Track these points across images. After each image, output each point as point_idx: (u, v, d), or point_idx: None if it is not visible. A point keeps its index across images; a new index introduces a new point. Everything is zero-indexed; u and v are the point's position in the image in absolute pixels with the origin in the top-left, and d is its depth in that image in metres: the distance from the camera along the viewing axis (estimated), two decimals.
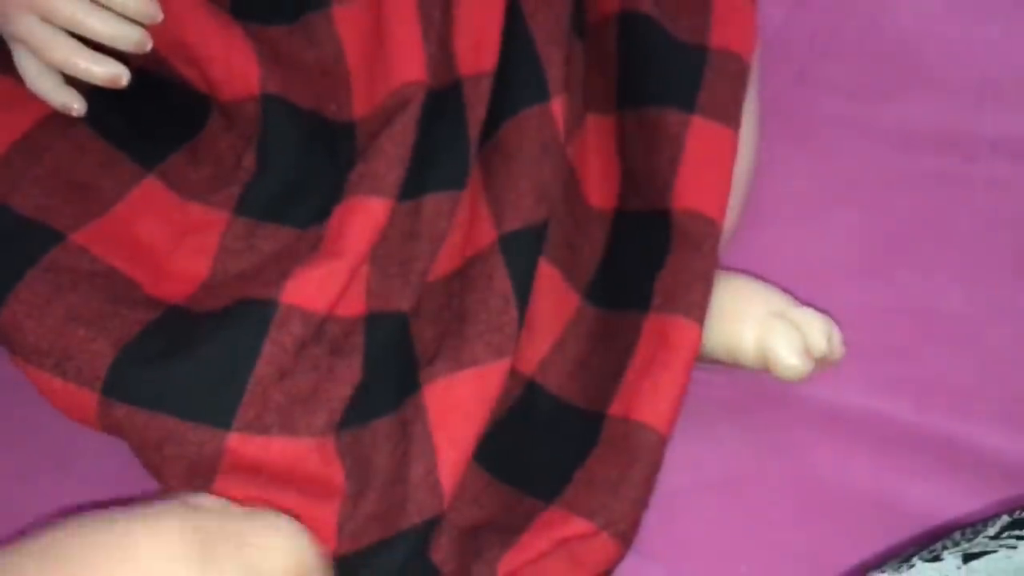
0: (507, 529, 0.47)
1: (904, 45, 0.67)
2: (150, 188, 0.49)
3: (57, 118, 0.49)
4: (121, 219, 0.48)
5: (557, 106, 0.51)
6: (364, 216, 0.47)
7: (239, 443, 0.43)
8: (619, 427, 0.48)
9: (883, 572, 0.42)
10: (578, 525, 0.46)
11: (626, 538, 0.47)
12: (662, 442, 0.48)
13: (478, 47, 0.50)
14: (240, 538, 0.43)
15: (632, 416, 0.48)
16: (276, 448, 0.44)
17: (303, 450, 0.44)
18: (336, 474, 0.44)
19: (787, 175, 0.62)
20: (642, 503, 0.47)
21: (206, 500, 0.44)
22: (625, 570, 0.48)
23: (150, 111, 0.51)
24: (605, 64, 0.55)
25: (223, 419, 0.43)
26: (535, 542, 0.46)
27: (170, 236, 0.48)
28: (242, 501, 0.44)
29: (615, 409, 0.49)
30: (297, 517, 0.44)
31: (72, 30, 0.47)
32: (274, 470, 0.44)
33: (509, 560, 0.46)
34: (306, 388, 0.45)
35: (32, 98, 0.49)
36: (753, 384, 0.54)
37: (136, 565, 0.41)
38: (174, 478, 0.43)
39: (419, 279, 0.48)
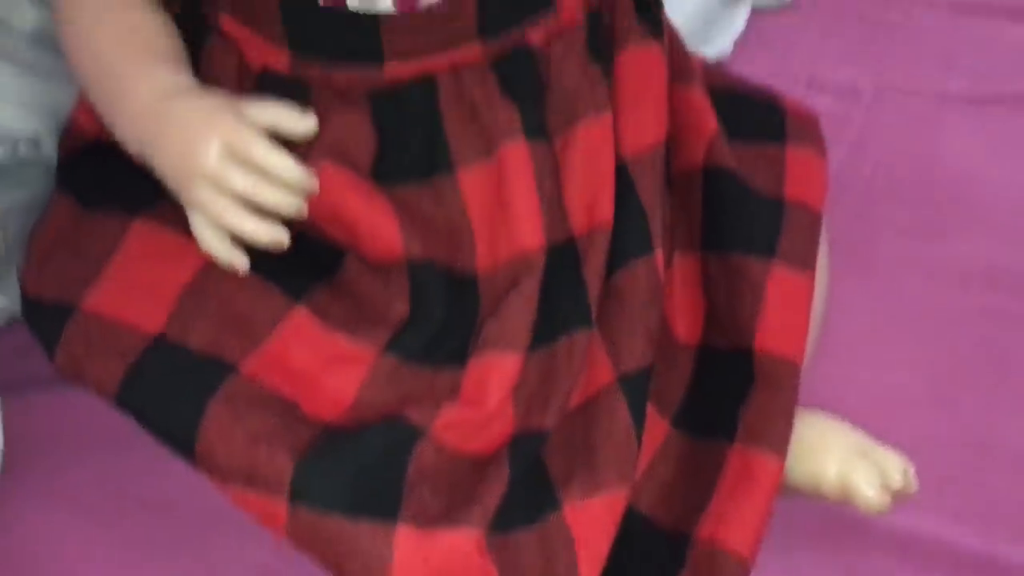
0: None
1: (955, 186, 0.73)
2: (299, 316, 0.54)
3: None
4: (277, 346, 0.53)
5: (659, 256, 0.56)
6: (500, 371, 0.52)
7: (406, 537, 0.48)
8: (705, 552, 0.53)
9: None
10: None
11: None
12: (746, 568, 0.52)
13: (591, 205, 0.56)
14: None
15: (718, 542, 0.53)
16: (441, 541, 0.48)
17: (466, 542, 0.48)
18: (492, 571, 0.49)
19: (850, 310, 0.67)
20: None
21: None
22: None
23: (292, 250, 0.55)
24: (691, 208, 0.61)
25: (389, 514, 0.48)
26: None
27: (320, 361, 0.53)
28: None
29: (702, 533, 0.54)
30: None
31: (243, 199, 0.52)
32: (438, 566, 0.48)
33: None
34: (459, 491, 0.50)
35: (193, 247, 0.54)
36: (830, 513, 0.58)
37: None
38: None
39: (561, 404, 0.54)
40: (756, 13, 0.92)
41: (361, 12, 0.53)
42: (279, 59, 0.55)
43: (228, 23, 0.55)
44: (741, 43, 0.87)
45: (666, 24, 0.62)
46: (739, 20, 0.90)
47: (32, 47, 0.59)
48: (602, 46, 0.58)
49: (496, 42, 0.55)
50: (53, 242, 0.58)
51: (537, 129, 0.55)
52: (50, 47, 0.60)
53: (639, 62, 0.59)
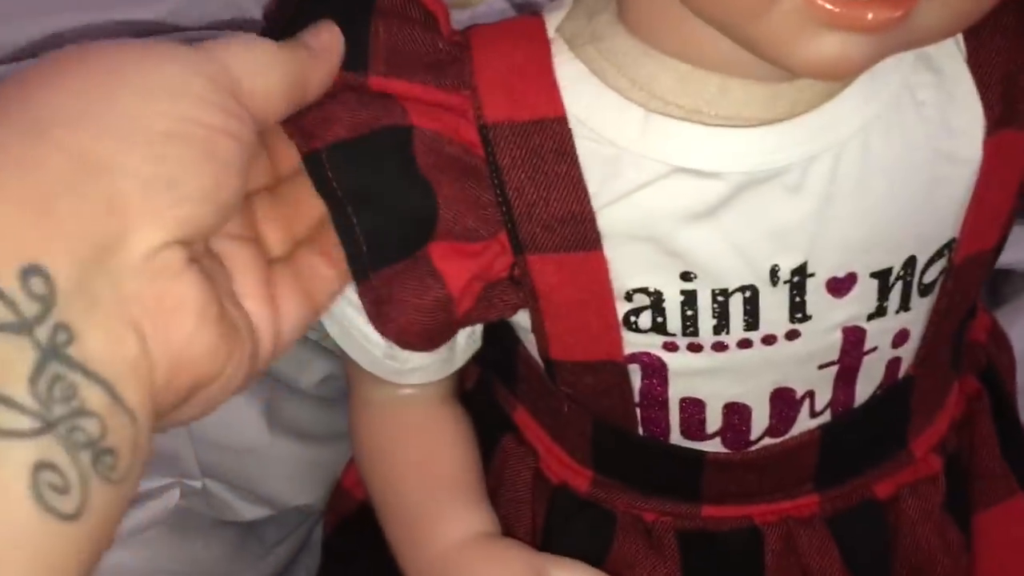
0: None
1: None
2: None
3: None
4: None
5: None
6: None
7: None
8: None
9: None
10: None
11: None
12: None
13: None
14: None
15: None
16: None
17: None
18: None
19: None
20: None
21: None
22: None
23: None
24: None
25: None
26: None
27: None
28: None
29: None
30: None
31: None
32: None
33: None
34: None
35: None
36: None
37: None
38: None
39: None
40: None
41: (684, 447, 0.46)
42: (580, 479, 0.48)
43: (525, 421, 0.49)
44: None
45: None
46: None
47: (314, 408, 0.55)
48: (959, 497, 0.49)
49: (836, 492, 0.47)
50: None
51: None
52: (332, 407, 0.56)
53: (1005, 525, 0.49)
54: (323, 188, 0.38)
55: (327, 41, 0.37)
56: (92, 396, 0.27)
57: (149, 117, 0.30)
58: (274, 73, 0.34)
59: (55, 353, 0.27)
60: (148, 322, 0.29)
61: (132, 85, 0.31)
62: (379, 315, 0.39)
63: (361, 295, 0.39)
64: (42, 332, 0.27)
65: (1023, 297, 0.78)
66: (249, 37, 0.35)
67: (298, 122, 0.37)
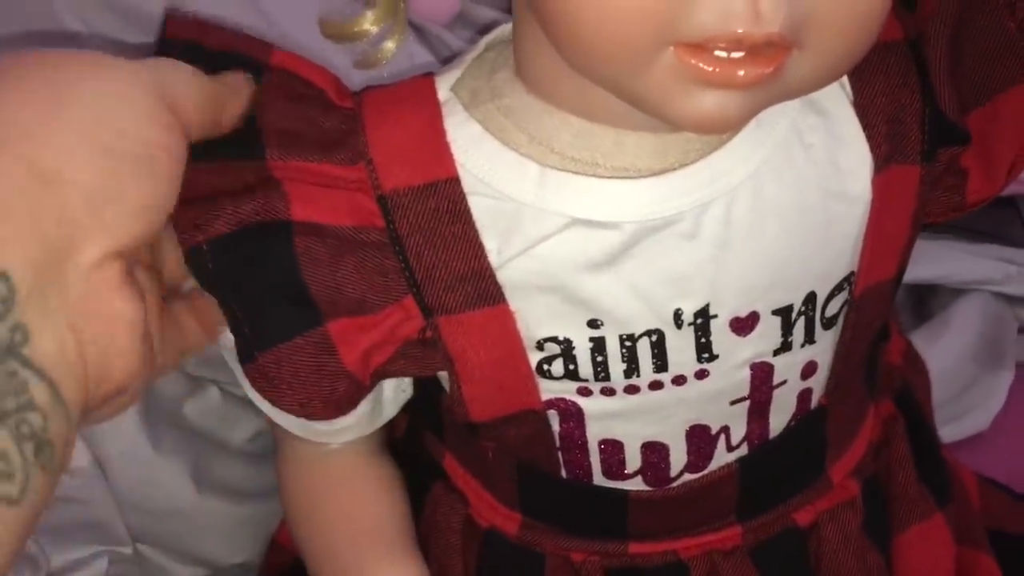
0: None
1: None
2: None
3: None
4: None
5: None
6: None
7: None
8: None
9: None
10: None
11: None
12: None
13: None
14: None
15: None
16: None
17: None
18: None
19: None
20: None
21: None
22: None
23: None
24: None
25: None
26: None
27: None
28: None
29: None
30: None
31: None
32: None
33: None
34: None
35: None
36: None
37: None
38: None
39: None
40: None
41: (607, 487, 0.46)
42: (509, 523, 0.49)
43: (454, 468, 0.50)
44: (1002, 414, 0.77)
45: (953, 477, 0.54)
46: (1001, 389, 0.80)
47: (245, 465, 0.55)
48: (878, 519, 0.50)
49: (757, 522, 0.48)
50: None
51: None
52: (263, 462, 0.56)
53: (923, 545, 0.50)
54: (205, 280, 0.39)
55: (240, 80, 0.39)
56: (39, 393, 0.29)
57: (95, 130, 0.32)
58: (200, 94, 0.36)
59: (11, 351, 0.29)
60: (88, 330, 0.31)
61: (81, 96, 0.32)
62: (272, 392, 0.41)
63: (247, 375, 0.41)
64: (1, 330, 0.29)
65: (950, 311, 0.79)
66: (172, 60, 0.37)
67: (186, 212, 0.38)
